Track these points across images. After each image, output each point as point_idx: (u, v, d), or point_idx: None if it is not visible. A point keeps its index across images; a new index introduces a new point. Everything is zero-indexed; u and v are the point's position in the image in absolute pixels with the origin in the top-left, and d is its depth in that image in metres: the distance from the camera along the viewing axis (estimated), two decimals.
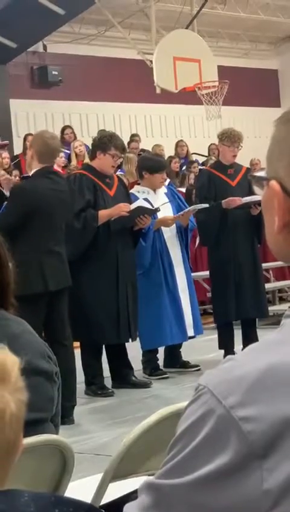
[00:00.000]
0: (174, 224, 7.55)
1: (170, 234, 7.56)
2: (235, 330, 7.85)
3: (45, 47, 15.77)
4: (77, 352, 6.64)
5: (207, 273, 8.61)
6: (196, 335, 7.60)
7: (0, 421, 1.29)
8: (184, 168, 13.72)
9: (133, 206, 7.02)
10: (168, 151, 14.45)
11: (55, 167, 7.19)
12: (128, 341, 7.08)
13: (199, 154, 15.02)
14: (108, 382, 7.03)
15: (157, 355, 7.60)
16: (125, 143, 10.02)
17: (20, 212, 5.99)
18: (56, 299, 6.08)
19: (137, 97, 16.22)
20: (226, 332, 7.83)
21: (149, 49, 13.51)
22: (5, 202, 7.05)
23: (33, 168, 6.20)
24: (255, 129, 17.69)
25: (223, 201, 7.67)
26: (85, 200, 6.86)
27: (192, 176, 12.91)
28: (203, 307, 10.38)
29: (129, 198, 7.22)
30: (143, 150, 13.38)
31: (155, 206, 7.24)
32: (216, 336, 7.95)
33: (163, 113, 17.03)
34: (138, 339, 7.23)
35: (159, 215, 7.38)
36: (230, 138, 7.80)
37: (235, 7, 16.57)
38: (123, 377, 7.10)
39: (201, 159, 14.57)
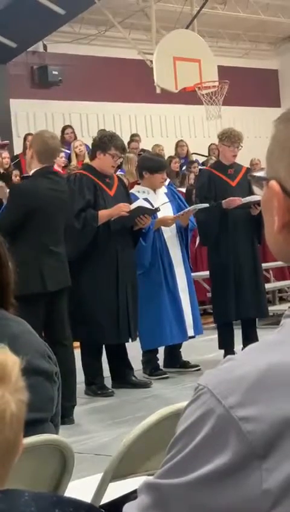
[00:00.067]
0: (174, 224, 7.55)
1: (170, 234, 7.56)
2: (235, 330, 7.85)
3: (45, 47, 15.77)
4: (77, 352, 6.64)
5: (207, 273, 8.61)
6: (196, 335, 7.60)
7: (1, 421, 1.29)
8: (184, 168, 13.72)
9: (133, 206, 7.02)
10: (168, 151, 14.45)
11: (56, 167, 7.19)
12: (128, 341, 7.08)
13: (199, 154, 15.02)
14: (108, 382, 7.03)
15: (157, 355, 7.60)
16: (126, 143, 10.02)
17: (20, 212, 5.99)
18: (56, 299, 6.08)
19: (137, 97, 16.22)
20: (226, 332, 7.84)
21: (149, 49, 13.52)
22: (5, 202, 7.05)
23: (33, 168, 6.20)
24: (255, 129, 17.69)
25: (223, 201, 7.67)
26: (85, 200, 6.86)
27: (192, 175, 12.92)
28: (203, 307, 10.38)
29: (129, 198, 7.22)
30: (143, 150, 13.38)
31: (155, 206, 7.24)
32: (216, 336, 7.95)
33: (163, 113, 17.03)
34: (138, 338, 7.23)
35: (159, 215, 7.38)
36: (230, 138, 7.80)
37: (236, 7, 16.58)
38: (123, 377, 7.10)
39: (201, 159, 14.58)
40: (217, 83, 13.33)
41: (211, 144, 14.45)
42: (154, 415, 2.35)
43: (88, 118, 16.28)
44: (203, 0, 14.09)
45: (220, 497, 1.05)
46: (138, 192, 7.58)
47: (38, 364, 2.42)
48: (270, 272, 11.71)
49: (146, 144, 14.77)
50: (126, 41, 14.64)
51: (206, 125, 15.46)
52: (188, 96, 13.90)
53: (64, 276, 6.15)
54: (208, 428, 1.06)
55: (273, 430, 1.03)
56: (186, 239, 7.72)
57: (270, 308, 8.85)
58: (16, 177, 11.56)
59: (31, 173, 6.29)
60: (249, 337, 7.57)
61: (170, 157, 13.50)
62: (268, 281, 11.21)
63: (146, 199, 7.37)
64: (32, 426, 2.04)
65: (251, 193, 7.39)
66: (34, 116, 15.60)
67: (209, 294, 9.07)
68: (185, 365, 7.68)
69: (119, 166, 9.44)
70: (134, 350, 7.36)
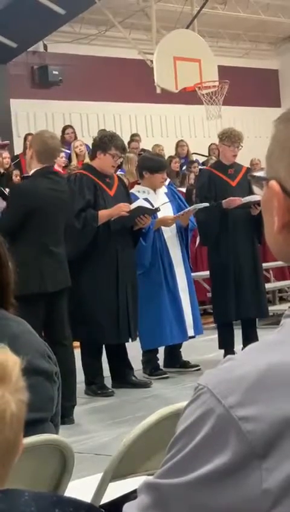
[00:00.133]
0: (175, 224, 7.55)
1: (170, 234, 7.56)
2: (235, 330, 7.86)
3: (45, 47, 15.77)
4: (77, 352, 6.64)
5: (207, 273, 8.61)
6: (196, 335, 7.60)
7: (1, 421, 1.29)
8: (184, 167, 13.72)
9: (133, 206, 7.02)
10: (169, 151, 14.45)
11: (56, 167, 7.18)
12: (128, 341, 7.08)
13: (199, 154, 15.02)
14: (108, 382, 7.03)
15: (158, 355, 7.60)
16: (126, 143, 10.02)
17: (20, 212, 5.99)
18: (56, 299, 6.08)
19: (137, 97, 16.22)
20: (226, 332, 7.84)
21: (149, 49, 13.51)
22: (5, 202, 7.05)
23: (33, 168, 6.20)
24: (255, 129, 17.69)
25: (223, 201, 7.67)
26: (85, 200, 6.86)
27: (192, 175, 12.92)
28: (204, 306, 10.38)
29: (129, 198, 7.22)
30: (143, 150, 13.38)
31: (155, 206, 7.24)
32: (216, 335, 7.95)
33: (163, 113, 17.03)
34: (138, 338, 7.23)
35: (159, 215, 7.38)
36: (230, 138, 7.80)
37: (236, 7, 16.58)
38: (123, 376, 7.11)
39: (201, 159, 14.58)
40: (217, 83, 13.33)
41: (211, 144, 14.46)
42: (154, 414, 2.35)
43: (88, 117, 16.28)
44: (204, 0, 14.08)
45: (220, 497, 1.05)
46: (138, 192, 7.59)
47: (38, 364, 2.43)
48: (271, 271, 11.71)
49: (146, 144, 14.77)
50: (126, 41, 14.64)
51: (207, 125, 15.46)
52: (188, 96, 13.90)
53: (64, 277, 6.15)
54: (208, 428, 1.06)
55: (273, 429, 1.03)
56: (187, 239, 7.72)
57: (270, 308, 8.85)
58: (16, 177, 11.57)
59: (31, 173, 6.29)
60: (249, 337, 7.57)
61: (170, 157, 13.50)
62: (268, 280, 11.21)
63: (146, 199, 7.37)
64: (32, 426, 2.04)
65: (251, 193, 7.39)
66: (34, 116, 15.60)
67: (209, 294, 9.07)
68: (185, 365, 7.68)
69: (120, 166, 9.44)
70: (134, 350, 7.37)
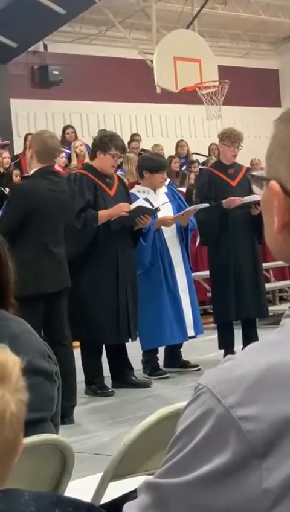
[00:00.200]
0: (175, 224, 7.55)
1: (170, 234, 7.56)
2: (236, 330, 7.86)
3: (45, 47, 15.77)
4: (77, 352, 6.64)
5: (207, 273, 8.61)
6: (196, 335, 7.60)
7: (1, 421, 1.29)
8: (184, 167, 13.72)
9: (133, 206, 7.02)
10: (169, 151, 14.45)
11: (56, 167, 7.18)
12: (128, 341, 7.08)
13: (199, 154, 15.02)
14: (108, 382, 7.03)
15: (158, 355, 7.61)
16: (126, 143, 10.03)
17: (20, 212, 5.98)
18: (55, 299, 6.07)
19: (137, 97, 16.23)
20: (226, 332, 7.84)
21: (150, 49, 13.52)
22: (5, 202, 7.05)
23: (33, 168, 6.19)
24: (255, 129, 17.70)
25: (223, 201, 7.67)
26: (85, 200, 6.86)
27: (192, 175, 12.92)
28: (204, 306, 10.38)
29: (129, 198, 7.22)
30: (143, 150, 13.38)
31: (155, 206, 7.24)
32: (216, 335, 7.95)
33: (163, 112, 17.03)
34: (138, 338, 7.23)
35: (160, 214, 7.38)
36: (230, 138, 7.80)
37: (236, 7, 16.58)
38: (123, 376, 7.11)
39: (201, 159, 14.58)
40: (217, 83, 13.33)
41: (212, 144, 14.46)
42: (154, 414, 2.35)
43: (88, 117, 16.28)
44: (204, 0, 14.08)
45: (220, 497, 1.05)
46: (138, 192, 7.59)
47: (38, 364, 2.43)
48: (271, 271, 11.71)
49: (146, 144, 14.77)
50: (127, 41, 14.65)
51: (207, 125, 15.46)
52: (188, 96, 13.91)
53: (64, 277, 6.14)
54: (208, 428, 1.06)
55: (273, 429, 1.03)
56: (187, 239, 7.72)
57: (270, 308, 8.85)
58: (16, 176, 11.58)
59: (31, 173, 6.29)
60: (249, 337, 7.57)
61: (170, 157, 13.50)
62: (268, 280, 11.21)
63: (146, 199, 7.37)
64: (32, 426, 2.04)
65: (251, 193, 7.40)
66: (34, 116, 15.60)
67: (209, 294, 9.07)
68: (185, 365, 7.68)
69: (120, 166, 9.44)
70: (134, 350, 7.37)
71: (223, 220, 7.68)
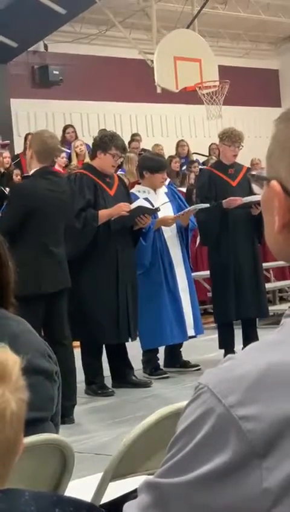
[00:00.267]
0: (175, 224, 7.55)
1: (170, 234, 7.56)
2: (236, 330, 7.86)
3: (45, 46, 15.77)
4: (77, 352, 6.64)
5: (207, 273, 8.61)
6: (196, 335, 7.60)
7: (1, 420, 1.29)
8: (185, 167, 13.72)
9: (134, 205, 7.02)
10: (169, 151, 14.45)
11: (56, 167, 7.18)
12: (128, 341, 7.08)
13: (199, 154, 15.02)
14: (108, 381, 7.03)
15: (158, 355, 7.61)
16: (126, 142, 10.02)
17: (20, 212, 5.98)
18: (55, 299, 6.07)
19: (138, 97, 16.23)
20: (227, 332, 7.84)
21: (150, 49, 13.52)
22: (5, 201, 7.04)
23: (33, 167, 6.19)
24: (255, 129, 17.69)
25: (223, 201, 7.67)
26: (85, 200, 6.86)
27: (192, 175, 12.92)
28: (204, 306, 10.38)
29: (129, 198, 7.22)
30: (144, 150, 13.38)
31: (155, 206, 7.24)
32: (216, 335, 7.95)
33: (164, 112, 17.03)
34: (138, 338, 7.23)
35: (160, 214, 7.38)
36: (231, 138, 7.80)
37: (236, 7, 16.58)
38: (123, 376, 7.11)
39: (202, 159, 14.58)
40: (217, 83, 13.33)
41: (212, 144, 14.46)
42: (154, 414, 2.35)
43: (89, 117, 16.28)
44: (204, 0, 14.08)
45: (220, 496, 1.05)
46: (139, 191, 7.59)
47: (38, 364, 2.43)
48: (271, 271, 11.71)
49: (147, 144, 14.77)
50: (127, 41, 14.65)
51: (207, 124, 15.46)
52: (188, 96, 13.91)
53: (64, 277, 6.14)
54: (208, 427, 1.06)
55: (273, 429, 1.03)
56: (187, 239, 7.72)
57: (270, 308, 8.85)
58: (16, 176, 11.57)
59: (30, 173, 6.29)
60: (250, 337, 7.57)
61: (171, 157, 13.50)
62: (268, 280, 11.22)
63: (146, 199, 7.37)
64: (32, 425, 2.04)
65: (252, 193, 7.40)
66: (34, 115, 15.60)
67: (209, 294, 9.07)
68: (186, 365, 7.68)
69: (120, 166, 9.44)
70: (134, 350, 7.37)
71: (223, 220, 7.68)
